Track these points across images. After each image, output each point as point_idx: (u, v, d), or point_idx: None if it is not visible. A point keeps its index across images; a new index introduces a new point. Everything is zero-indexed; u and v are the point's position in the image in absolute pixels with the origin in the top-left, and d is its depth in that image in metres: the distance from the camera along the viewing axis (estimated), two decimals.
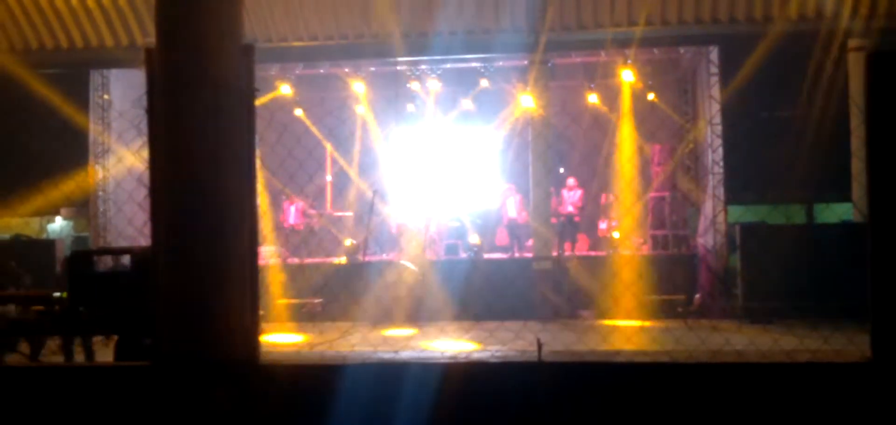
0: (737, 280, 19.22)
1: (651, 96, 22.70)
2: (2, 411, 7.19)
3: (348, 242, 21.51)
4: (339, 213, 23.70)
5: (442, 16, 19.85)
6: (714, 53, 20.62)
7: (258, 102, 6.98)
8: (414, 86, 23.29)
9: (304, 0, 20.27)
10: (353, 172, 23.94)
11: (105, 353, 12.79)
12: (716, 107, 20.47)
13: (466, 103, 23.64)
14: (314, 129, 23.79)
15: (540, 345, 7.12)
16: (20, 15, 20.99)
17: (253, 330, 7.01)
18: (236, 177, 6.72)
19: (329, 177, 24.35)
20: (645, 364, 7.11)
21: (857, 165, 18.60)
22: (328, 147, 24.09)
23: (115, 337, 10.89)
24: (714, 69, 20.59)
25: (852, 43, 19.92)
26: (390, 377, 7.05)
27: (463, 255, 21.43)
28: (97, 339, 13.30)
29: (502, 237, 23.09)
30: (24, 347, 13.11)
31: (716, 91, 20.48)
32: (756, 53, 19.32)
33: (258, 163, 7.86)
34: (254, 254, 7.04)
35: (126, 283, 11.42)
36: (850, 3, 19.32)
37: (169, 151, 6.63)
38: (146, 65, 6.82)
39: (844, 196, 20.51)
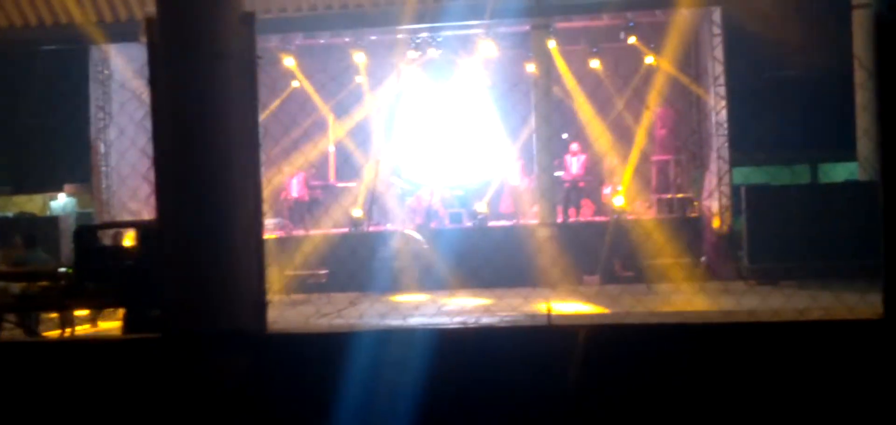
0: (742, 241, 19.18)
1: (650, 59, 22.54)
2: (12, 385, 7.17)
3: (356, 213, 21.46)
4: (343, 184, 23.61)
5: None
6: (716, 14, 20.48)
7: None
8: (413, 54, 23.12)
9: None
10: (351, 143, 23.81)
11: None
12: (719, 69, 20.35)
13: (468, 70, 23.51)
14: (317, 98, 23.68)
15: (549, 310, 7.08)
16: None
17: (260, 301, 6.98)
18: (240, 145, 6.67)
19: (332, 148, 24.25)
20: (655, 325, 7.07)
21: (864, 121, 18.58)
22: (330, 118, 23.97)
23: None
24: (717, 30, 20.46)
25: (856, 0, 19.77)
26: (399, 343, 7.02)
27: (468, 223, 21.37)
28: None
29: (507, 204, 23.01)
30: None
31: (719, 52, 20.36)
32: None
33: (261, 132, 7.79)
34: (259, 224, 7.00)
35: (132, 256, 11.45)
36: None
37: (172, 121, 6.58)
38: (147, 34, 6.76)
39: (850, 155, 20.44)
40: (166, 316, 6.96)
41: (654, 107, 22.54)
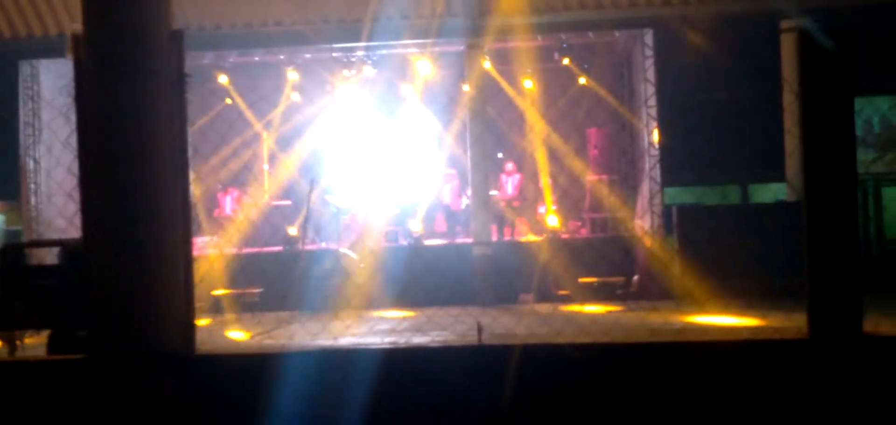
0: (674, 261, 19.37)
1: (583, 80, 22.78)
2: None
3: (292, 231, 21.34)
4: (277, 202, 23.46)
5: (378, 1, 19.75)
6: (649, 36, 20.72)
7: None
8: (347, 73, 23.09)
9: None
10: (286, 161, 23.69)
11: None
12: (651, 90, 20.59)
13: (403, 89, 23.55)
14: (250, 114, 23.54)
15: (480, 329, 7.09)
16: None
17: (189, 321, 6.90)
18: (168, 164, 6.59)
19: (266, 166, 24.10)
20: (585, 344, 7.11)
21: (791, 143, 18.91)
22: (264, 135, 23.83)
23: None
24: (649, 52, 20.70)
25: (784, 23, 20.12)
26: (330, 364, 6.98)
27: (403, 242, 21.34)
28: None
29: (441, 224, 23.05)
30: None
31: (651, 74, 20.60)
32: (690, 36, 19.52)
33: (192, 151, 7.71)
34: (188, 244, 6.92)
35: (58, 276, 11.24)
36: None
37: (98, 139, 6.49)
38: (73, 51, 6.66)
39: (779, 176, 20.77)
40: (93, 336, 6.85)
41: (586, 128, 22.76)
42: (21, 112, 21.68)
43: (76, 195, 6.82)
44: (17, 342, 13.79)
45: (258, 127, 23.67)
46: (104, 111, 6.36)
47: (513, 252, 20.25)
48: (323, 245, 21.58)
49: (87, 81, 6.51)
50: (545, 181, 22.48)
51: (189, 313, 6.83)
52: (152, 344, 6.67)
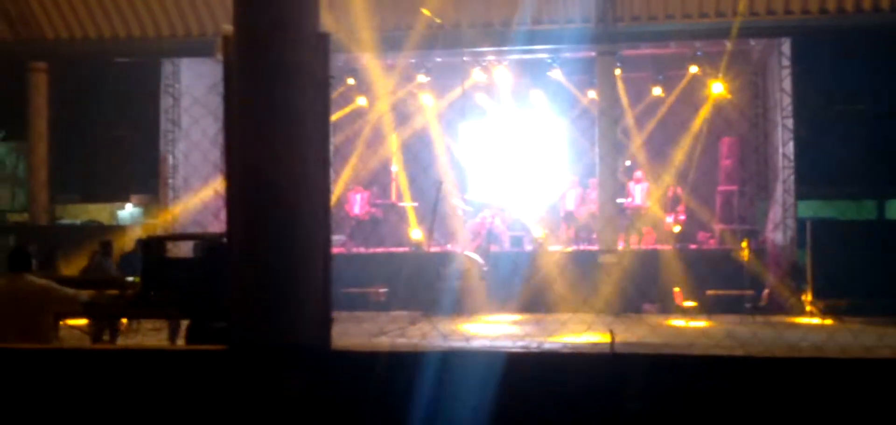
0: (806, 275, 18.94)
1: (720, 88, 22.34)
2: (74, 393, 7.28)
3: (416, 235, 21.54)
4: (404, 204, 23.71)
5: (510, 6, 19.80)
6: (786, 45, 20.30)
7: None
8: (478, 76, 23.16)
9: None
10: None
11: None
12: (787, 100, 20.15)
13: (534, 94, 23.52)
14: (384, 118, 23.80)
15: (613, 337, 7.05)
16: (95, 3, 21.31)
17: (326, 317, 7.02)
18: (310, 163, 6.73)
19: (395, 168, 24.35)
20: (721, 357, 6.99)
21: None
22: (393, 137, 24.06)
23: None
24: (786, 61, 20.26)
25: None
26: (460, 366, 7.02)
27: (528, 247, 21.34)
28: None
29: (563, 230, 22.96)
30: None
31: (787, 84, 20.16)
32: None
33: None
34: (327, 242, 7.05)
35: (197, 268, 11.59)
36: None
37: (245, 137, 6.66)
38: (223, 50, 6.86)
39: None
40: (232, 328, 7.03)
41: (720, 137, 22.39)
42: (163, 109, 22.42)
43: (220, 190, 7.03)
44: (104, 336, 14.16)
45: (389, 130, 23.87)
46: (252, 109, 6.55)
47: (639, 261, 20.04)
48: (448, 247, 21.73)
49: (235, 80, 6.70)
50: (675, 191, 22.18)
51: (326, 309, 6.96)
52: (290, 338, 6.81)
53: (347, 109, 23.44)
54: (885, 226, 21.34)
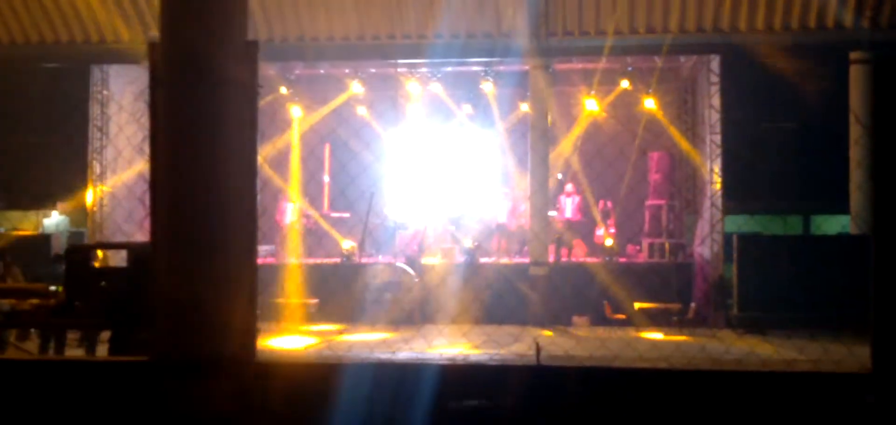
0: (732, 289, 19.19)
1: (651, 104, 22.58)
2: None
3: (347, 245, 21.45)
4: (337, 214, 23.61)
5: (443, 19, 19.84)
6: (715, 62, 20.55)
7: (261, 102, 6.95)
8: (412, 88, 23.20)
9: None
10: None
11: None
12: (716, 117, 20.43)
13: (466, 107, 23.61)
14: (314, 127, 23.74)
15: (538, 349, 7.09)
16: (20, 7, 20.94)
17: (251, 329, 6.98)
18: (237, 174, 6.69)
19: (327, 178, 24.26)
20: (644, 370, 7.07)
21: (859, 175, 18.67)
22: (325, 147, 24.00)
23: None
24: (715, 78, 20.53)
25: (854, 55, 19.89)
26: (388, 378, 7.01)
27: (459, 259, 21.36)
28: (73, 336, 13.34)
29: (495, 242, 23.04)
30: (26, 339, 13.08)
31: (716, 100, 20.42)
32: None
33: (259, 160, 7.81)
34: (253, 253, 7.01)
35: (122, 278, 11.41)
36: (852, 14, 19.32)
37: (170, 146, 6.59)
38: (149, 58, 6.79)
39: (843, 207, 20.50)
40: (155, 339, 6.94)
41: (649, 152, 22.64)
42: (91, 116, 22.05)
43: (146, 199, 6.94)
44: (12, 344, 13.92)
45: (321, 140, 23.80)
46: (177, 117, 6.48)
47: (569, 274, 20.18)
48: (380, 258, 21.68)
49: (162, 88, 6.63)
50: (605, 204, 22.38)
51: (251, 321, 6.91)
52: (214, 350, 6.75)
53: (278, 119, 23.31)
54: (810, 241, 21.68)
